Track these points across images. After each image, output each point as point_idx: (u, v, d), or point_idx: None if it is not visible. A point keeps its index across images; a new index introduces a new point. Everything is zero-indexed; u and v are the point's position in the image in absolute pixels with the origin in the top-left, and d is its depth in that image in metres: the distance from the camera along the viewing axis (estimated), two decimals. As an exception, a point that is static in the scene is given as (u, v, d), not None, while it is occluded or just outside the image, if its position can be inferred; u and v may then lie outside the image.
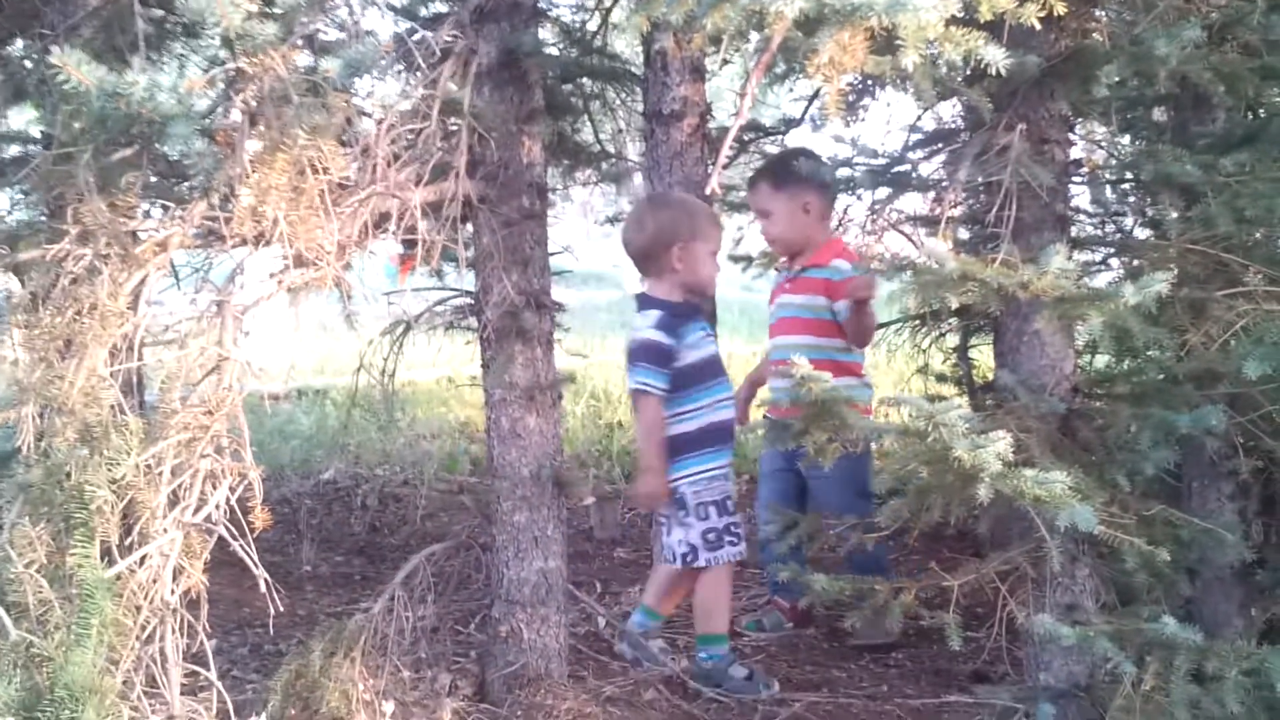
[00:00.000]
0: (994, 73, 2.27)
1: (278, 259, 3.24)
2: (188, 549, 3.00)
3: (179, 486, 3.00)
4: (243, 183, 2.93)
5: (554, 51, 5.11)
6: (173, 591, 2.96)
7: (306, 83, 2.92)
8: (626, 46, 7.42)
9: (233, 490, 3.07)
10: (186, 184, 3.39)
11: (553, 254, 4.14)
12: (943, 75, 3.12)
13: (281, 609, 3.08)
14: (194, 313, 3.24)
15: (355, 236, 3.35)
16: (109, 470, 2.87)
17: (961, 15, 2.21)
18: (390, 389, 4.37)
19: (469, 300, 4.10)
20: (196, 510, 3.01)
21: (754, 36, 4.21)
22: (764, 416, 5.01)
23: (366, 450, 7.74)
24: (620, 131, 6.17)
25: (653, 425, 4.28)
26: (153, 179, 3.66)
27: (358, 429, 7.92)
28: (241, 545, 3.00)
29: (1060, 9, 2.34)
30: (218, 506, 3.03)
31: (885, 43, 2.37)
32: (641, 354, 4.32)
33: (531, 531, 4.05)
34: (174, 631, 3.00)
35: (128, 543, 2.91)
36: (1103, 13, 3.62)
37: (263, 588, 2.97)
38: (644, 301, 4.42)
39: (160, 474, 2.95)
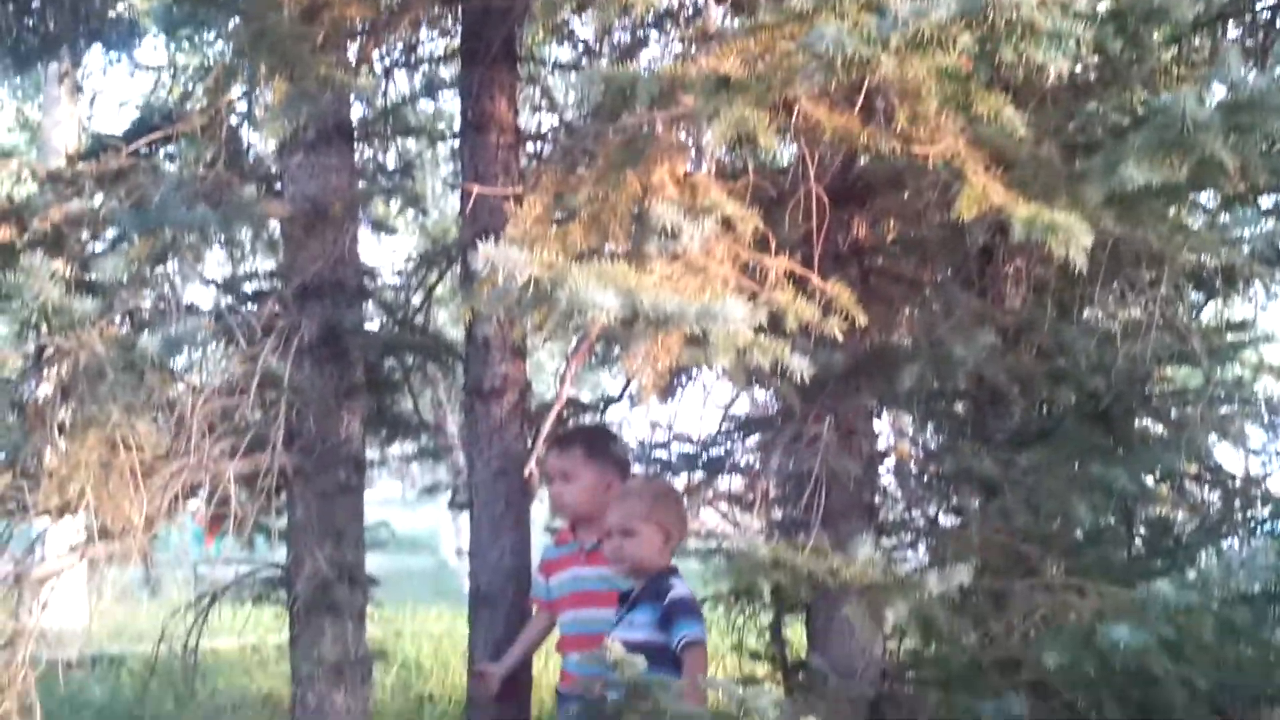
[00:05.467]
0: (799, 379, 2.37)
1: (80, 529, 3.16)
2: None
3: (-41, 771, 2.85)
4: (51, 456, 2.88)
5: (376, 326, 5.16)
6: None
7: (124, 360, 2.91)
8: (449, 319, 7.53)
9: (18, 775, 2.92)
10: (-9, 453, 3.31)
11: (369, 527, 4.11)
12: (754, 369, 3.24)
13: None
14: (-10, 583, 3.14)
15: (164, 509, 3.30)
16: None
17: (769, 322, 2.32)
18: (192, 662, 4.23)
19: (279, 572, 4.03)
20: (-24, 796, 2.86)
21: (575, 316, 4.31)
22: (558, 692, 4.93)
23: (163, 723, 7.40)
24: (440, 405, 6.20)
25: None
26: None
27: (155, 701, 7.58)
28: (21, 835, 2.85)
29: (862, 320, 2.47)
30: (-1, 792, 2.88)
31: (701, 337, 2.46)
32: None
33: (333, 813, 3.91)
34: None
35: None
36: (905, 313, 3.82)
37: None
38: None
39: (-60, 760, 2.80)
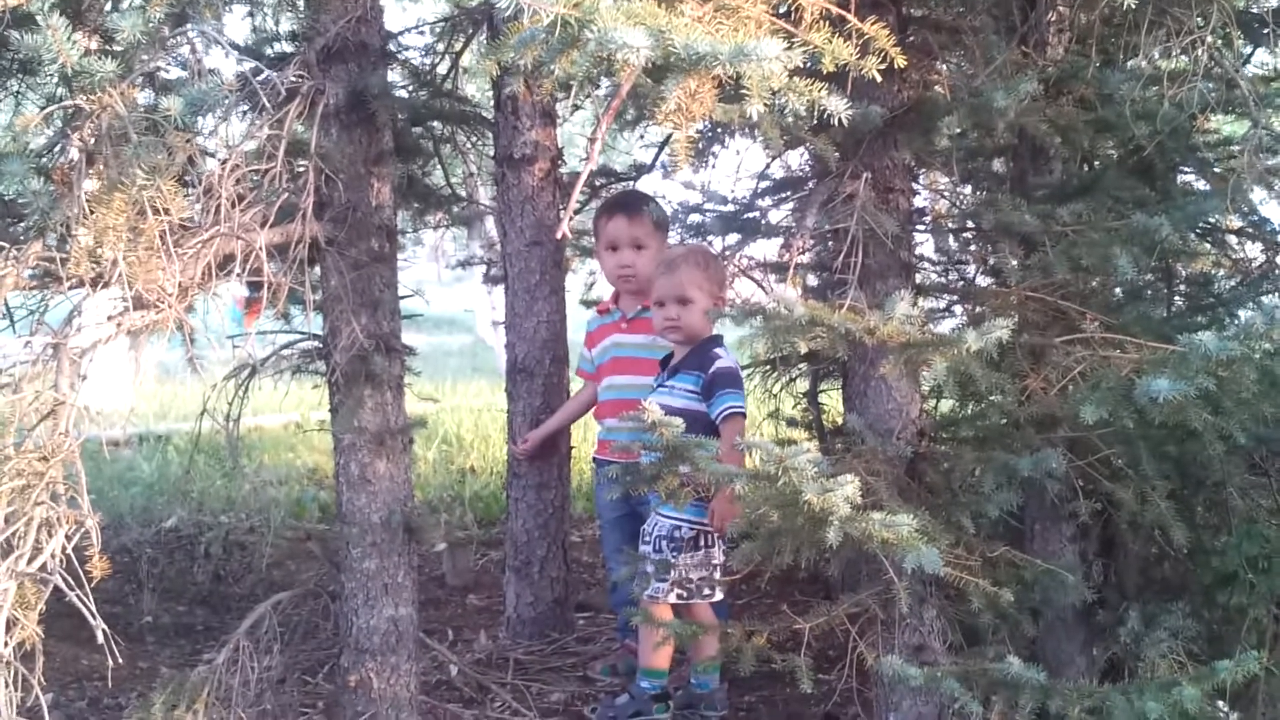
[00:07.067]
0: (837, 123, 2.30)
1: (117, 301, 3.15)
2: (21, 599, 2.90)
3: (12, 535, 2.90)
4: (80, 223, 2.86)
5: (403, 94, 5.08)
6: (5, 643, 2.85)
7: (146, 121, 2.85)
8: (477, 90, 7.41)
9: (69, 538, 2.97)
10: (21, 224, 3.29)
11: (403, 297, 4.10)
12: (789, 124, 3.17)
13: (120, 661, 2.98)
14: (29, 355, 3.14)
15: (198, 278, 3.28)
16: (-64, 519, 2.77)
17: (805, 66, 2.24)
18: (235, 434, 4.28)
19: (317, 344, 4.04)
20: (31, 559, 2.91)
21: (604, 83, 4.20)
22: (594, 459, 4.99)
23: (211, 497, 7.56)
24: (471, 175, 6.15)
25: None
26: (-15, 218, 3.54)
27: (202, 475, 7.75)
28: (78, 595, 2.90)
29: (901, 62, 2.38)
30: (53, 555, 2.92)
31: (733, 91, 2.39)
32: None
33: (381, 579, 3.99)
34: (7, 685, 2.89)
35: (-44, 594, 2.80)
36: (944, 65, 3.71)
37: (100, 639, 2.87)
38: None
39: (-9, 522, 2.84)
